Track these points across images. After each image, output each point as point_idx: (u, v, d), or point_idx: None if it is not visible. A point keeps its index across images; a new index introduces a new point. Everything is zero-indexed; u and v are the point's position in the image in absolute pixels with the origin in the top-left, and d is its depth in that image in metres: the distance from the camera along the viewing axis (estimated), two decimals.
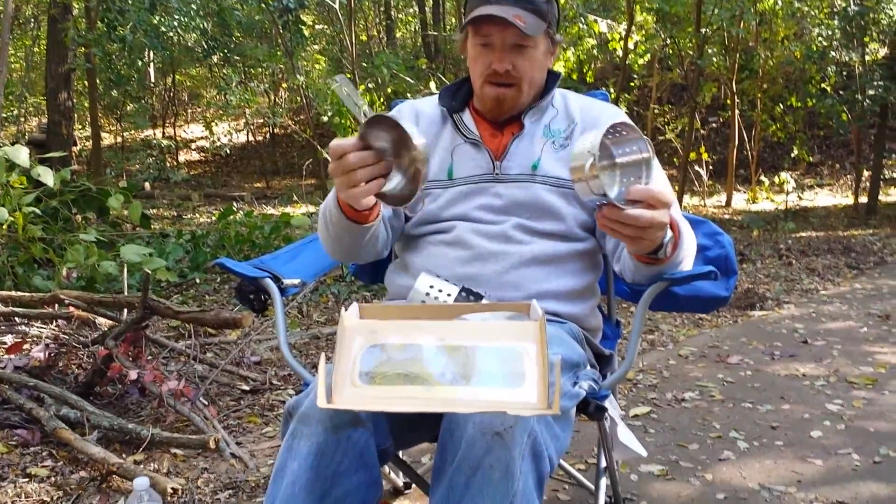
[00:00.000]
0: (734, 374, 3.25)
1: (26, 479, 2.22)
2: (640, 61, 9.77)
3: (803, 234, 7.78)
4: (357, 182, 1.28)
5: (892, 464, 2.27)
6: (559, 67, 7.65)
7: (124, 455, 2.37)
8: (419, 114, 1.70)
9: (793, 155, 11.24)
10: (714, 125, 12.97)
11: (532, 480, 1.17)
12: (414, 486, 2.12)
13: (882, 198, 9.87)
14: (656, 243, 1.30)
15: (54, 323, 3.20)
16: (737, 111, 10.17)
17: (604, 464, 1.85)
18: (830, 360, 3.42)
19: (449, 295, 1.41)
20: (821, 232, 7.97)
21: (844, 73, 10.19)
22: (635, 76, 11.70)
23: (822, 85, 10.28)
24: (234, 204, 8.87)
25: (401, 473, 2.12)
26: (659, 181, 1.29)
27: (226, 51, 11.09)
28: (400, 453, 1.76)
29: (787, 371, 3.28)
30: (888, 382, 3.08)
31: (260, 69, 13.94)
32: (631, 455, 1.68)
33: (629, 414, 2.78)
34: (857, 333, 3.92)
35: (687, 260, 1.43)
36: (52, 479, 2.23)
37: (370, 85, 7.48)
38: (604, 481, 1.84)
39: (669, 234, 1.32)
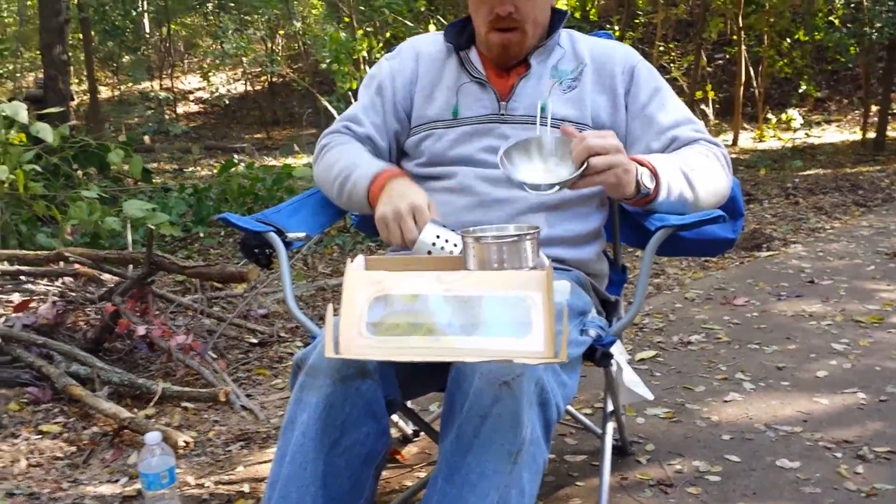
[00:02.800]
0: (740, 316, 3.26)
1: (39, 436, 2.25)
2: None
3: (810, 172, 7.72)
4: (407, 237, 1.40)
5: None
6: (562, 5, 7.49)
7: (135, 410, 2.39)
8: (419, 53, 1.67)
9: (800, 91, 11.07)
10: (720, 62, 12.76)
11: (540, 428, 1.18)
12: (422, 433, 2.14)
13: (890, 133, 9.74)
14: (633, 183, 1.36)
15: (60, 280, 3.21)
16: (743, 47, 9.98)
17: (610, 408, 1.86)
18: (837, 300, 3.42)
19: (455, 245, 1.39)
20: (828, 169, 7.90)
21: (852, 4, 9.95)
22: (639, 13, 11.47)
23: (830, 17, 10.06)
24: (235, 156, 8.82)
25: (409, 422, 2.14)
26: (590, 136, 1.34)
27: None
28: (408, 402, 1.78)
29: (794, 311, 3.28)
30: (894, 321, 3.08)
31: (256, 15, 13.71)
32: (637, 399, 1.69)
33: (635, 358, 2.79)
34: (863, 272, 3.91)
35: (684, 184, 1.46)
36: (65, 435, 2.26)
37: (369, 29, 7.35)
38: (610, 425, 1.85)
39: (642, 169, 1.39)
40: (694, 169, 1.46)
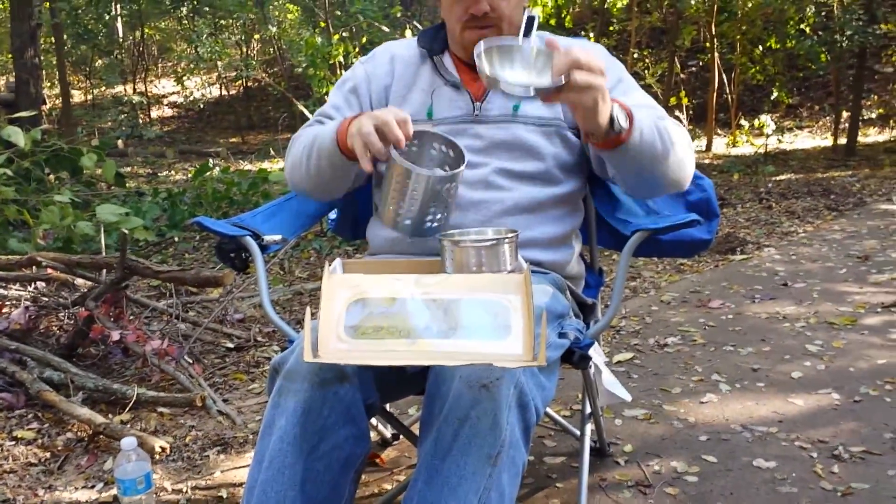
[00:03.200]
0: (715, 319, 3.29)
1: (13, 442, 2.21)
2: (619, 4, 9.64)
3: (783, 177, 7.82)
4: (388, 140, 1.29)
5: (872, 402, 2.32)
6: (537, 12, 7.53)
7: (110, 416, 2.36)
8: (394, 56, 1.67)
9: (772, 97, 11.22)
10: (693, 69, 12.89)
11: (519, 430, 1.18)
12: (402, 437, 2.13)
13: (861, 139, 9.90)
14: (607, 115, 1.28)
15: (32, 285, 3.17)
16: (716, 54, 10.10)
17: (588, 410, 1.88)
18: (810, 302, 3.46)
19: (451, 153, 1.42)
20: (800, 174, 8.01)
21: (823, 13, 10.11)
22: (614, 20, 11.55)
23: (801, 26, 10.21)
24: (210, 160, 8.75)
25: (389, 426, 2.14)
26: (576, 49, 1.24)
27: (195, 1, 10.81)
28: (387, 406, 1.77)
29: (768, 313, 3.32)
30: (867, 323, 3.12)
31: (231, 20, 13.63)
32: (615, 401, 1.70)
33: (613, 360, 2.80)
34: (836, 275, 3.96)
35: (656, 135, 1.39)
36: (39, 441, 2.22)
37: (344, 34, 7.34)
38: (589, 427, 1.87)
39: (618, 108, 1.31)
40: (667, 129, 1.42)
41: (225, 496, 1.90)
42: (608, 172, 1.53)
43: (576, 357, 1.39)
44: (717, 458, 2.00)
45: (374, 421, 2.09)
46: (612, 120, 1.30)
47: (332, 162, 1.46)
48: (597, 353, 1.55)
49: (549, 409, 2.18)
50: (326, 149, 1.46)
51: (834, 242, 4.81)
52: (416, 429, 1.35)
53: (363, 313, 1.13)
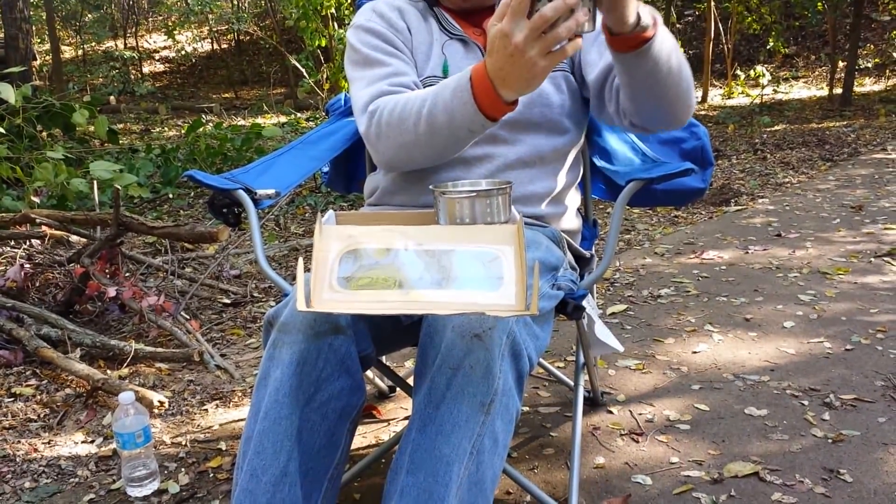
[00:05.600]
0: (709, 270, 3.30)
1: (11, 399, 2.23)
2: None
3: (778, 128, 7.78)
4: (560, 37, 1.12)
5: (863, 350, 2.34)
6: None
7: (108, 371, 2.38)
8: (401, 10, 1.60)
9: (768, 47, 11.11)
10: (690, 18, 12.73)
11: (512, 379, 1.19)
12: (398, 389, 2.16)
13: (857, 88, 9.84)
14: (635, 10, 1.20)
15: (27, 243, 3.16)
16: (712, 3, 9.97)
17: (582, 361, 1.90)
18: (804, 252, 3.48)
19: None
20: (795, 125, 7.97)
21: None
22: None
23: None
24: (203, 116, 8.67)
25: (385, 378, 2.16)
26: None
27: None
28: (383, 358, 1.79)
29: (761, 264, 3.33)
30: (860, 272, 3.14)
31: None
32: (608, 351, 1.71)
33: (606, 312, 2.82)
34: (829, 225, 3.97)
35: (673, 48, 1.32)
36: (38, 397, 2.24)
37: None
38: (582, 377, 1.89)
39: (643, 7, 1.23)
40: (678, 49, 1.36)
41: (224, 448, 1.93)
42: (608, 107, 1.48)
43: (570, 308, 1.39)
44: (709, 406, 2.03)
45: (370, 374, 2.11)
46: (637, 18, 1.22)
47: (468, 123, 1.30)
48: (590, 305, 1.56)
49: (543, 361, 2.20)
50: (460, 112, 1.29)
51: (828, 193, 4.81)
52: (411, 381, 1.36)
53: (356, 264, 1.13)
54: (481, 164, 1.51)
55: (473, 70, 1.27)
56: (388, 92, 1.46)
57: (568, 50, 1.15)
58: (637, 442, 1.86)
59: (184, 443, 1.97)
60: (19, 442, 1.99)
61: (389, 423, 2.03)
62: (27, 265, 2.90)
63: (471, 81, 1.27)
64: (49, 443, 1.99)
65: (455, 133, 1.33)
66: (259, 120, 9.44)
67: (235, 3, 14.68)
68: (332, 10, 6.31)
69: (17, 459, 1.90)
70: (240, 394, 2.26)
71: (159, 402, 2.13)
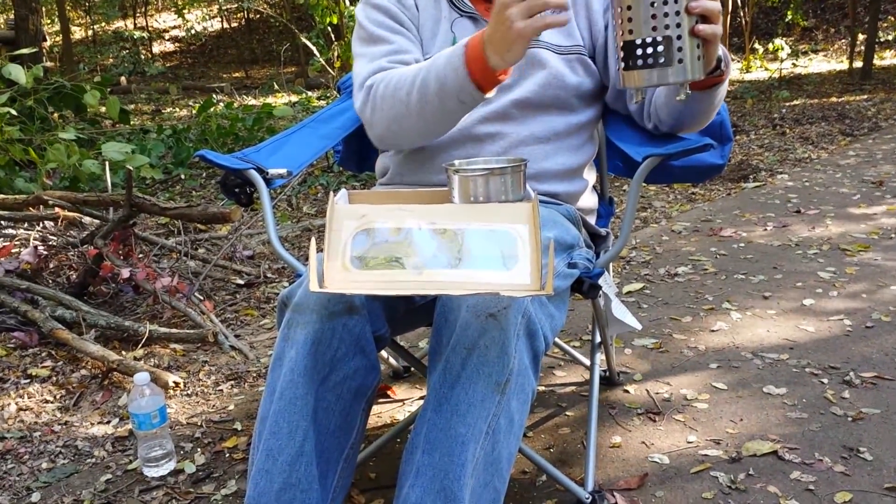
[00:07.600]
0: (727, 247, 3.26)
1: (28, 380, 2.24)
2: None
3: (797, 102, 7.67)
4: (544, 3, 1.13)
5: (883, 328, 2.31)
6: None
7: (123, 352, 2.39)
8: None
9: (787, 20, 10.94)
10: None
11: (527, 358, 1.18)
12: (413, 369, 2.15)
13: (877, 61, 9.69)
14: (717, 54, 1.23)
15: (41, 225, 3.17)
16: None
17: (598, 339, 1.87)
18: (823, 229, 3.43)
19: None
20: (815, 99, 7.86)
21: None
22: None
23: None
24: (214, 96, 8.66)
25: (399, 358, 2.15)
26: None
27: None
28: (397, 338, 1.78)
29: (780, 241, 3.29)
30: (880, 249, 3.09)
31: None
32: (625, 330, 1.69)
33: (623, 291, 2.80)
34: (850, 200, 3.91)
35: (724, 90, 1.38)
36: (54, 378, 2.25)
37: None
38: (598, 356, 1.87)
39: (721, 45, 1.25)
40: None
41: (240, 428, 1.93)
42: (648, 123, 1.54)
43: (585, 286, 1.37)
44: (726, 384, 2.01)
45: (384, 354, 2.10)
46: (718, 60, 1.26)
47: (461, 93, 1.30)
48: (606, 283, 1.53)
49: (558, 340, 2.18)
50: (452, 81, 1.29)
51: (848, 168, 4.74)
52: (426, 361, 1.34)
53: (369, 243, 1.12)
54: (493, 141, 1.48)
55: (470, 38, 1.28)
56: (387, 68, 1.45)
57: (548, 20, 1.15)
58: (654, 421, 1.84)
59: (199, 423, 1.97)
60: (36, 423, 2.00)
61: (404, 403, 2.03)
62: (41, 247, 2.90)
63: (465, 48, 1.27)
64: (65, 424, 1.99)
65: (445, 103, 1.33)
66: (270, 99, 9.41)
67: None
68: None
69: (35, 440, 1.91)
70: (254, 374, 2.25)
71: (174, 382, 2.13)
